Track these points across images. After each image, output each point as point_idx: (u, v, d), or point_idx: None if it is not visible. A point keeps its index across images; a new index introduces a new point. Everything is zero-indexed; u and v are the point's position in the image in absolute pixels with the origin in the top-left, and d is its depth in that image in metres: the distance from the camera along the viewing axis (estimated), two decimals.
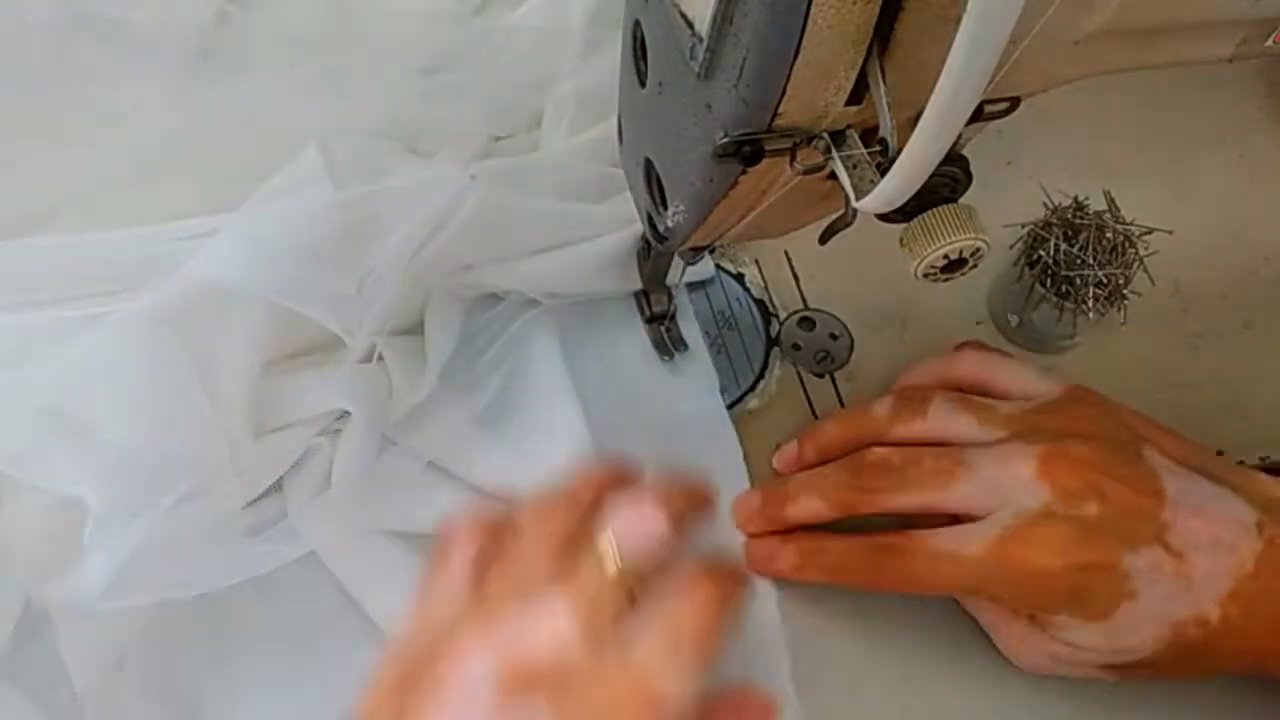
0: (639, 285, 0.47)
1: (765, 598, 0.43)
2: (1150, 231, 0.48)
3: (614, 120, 0.39)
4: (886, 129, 0.28)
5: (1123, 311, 0.48)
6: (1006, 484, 0.39)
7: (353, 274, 0.40)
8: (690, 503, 0.37)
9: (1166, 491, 0.38)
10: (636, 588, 0.34)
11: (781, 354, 0.49)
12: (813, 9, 0.25)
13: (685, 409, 0.46)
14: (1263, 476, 0.41)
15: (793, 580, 0.43)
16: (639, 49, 0.33)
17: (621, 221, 0.45)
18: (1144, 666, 0.39)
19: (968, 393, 0.43)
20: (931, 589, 0.41)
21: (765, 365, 0.49)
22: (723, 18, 0.26)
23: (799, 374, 0.49)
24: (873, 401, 0.44)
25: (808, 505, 0.42)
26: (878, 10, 0.25)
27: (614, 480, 0.38)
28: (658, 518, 0.35)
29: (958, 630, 0.43)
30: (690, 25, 0.28)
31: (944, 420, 0.42)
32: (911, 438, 0.42)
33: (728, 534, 0.44)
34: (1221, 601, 0.37)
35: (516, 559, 0.36)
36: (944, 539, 0.39)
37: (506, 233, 0.44)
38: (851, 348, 0.49)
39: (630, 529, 0.35)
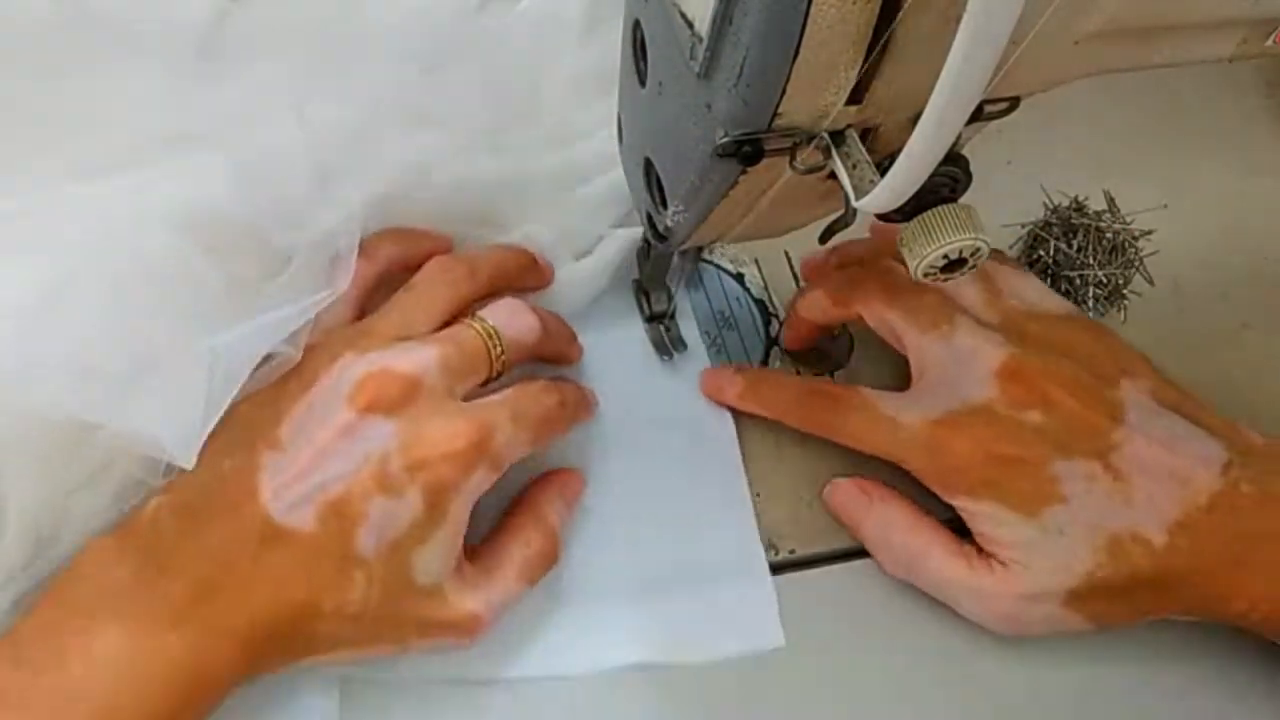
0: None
1: (723, 421, 0.46)
2: (1149, 232, 0.48)
3: (612, 103, 0.39)
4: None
5: (1123, 311, 0.48)
6: (966, 366, 0.41)
7: (331, 206, 0.41)
8: (561, 340, 0.44)
9: (1127, 418, 0.40)
10: (499, 364, 0.40)
11: (781, 354, 0.49)
12: (813, 9, 0.25)
13: (684, 408, 0.46)
14: (1252, 432, 0.41)
15: (739, 410, 0.46)
16: (639, 49, 0.33)
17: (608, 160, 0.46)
18: (1101, 593, 0.39)
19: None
20: (860, 444, 0.42)
21: (765, 365, 0.49)
22: (723, 17, 0.26)
23: (799, 374, 0.49)
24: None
25: (814, 299, 0.45)
26: (878, 10, 0.25)
27: (514, 271, 0.43)
28: (535, 319, 0.41)
29: (945, 628, 0.43)
30: (690, 25, 0.28)
31: (956, 281, 0.43)
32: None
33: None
34: (1169, 529, 0.38)
35: (402, 307, 0.40)
36: (887, 402, 0.42)
37: (496, 196, 0.45)
38: (851, 348, 0.49)
39: (510, 318, 0.40)
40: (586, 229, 0.48)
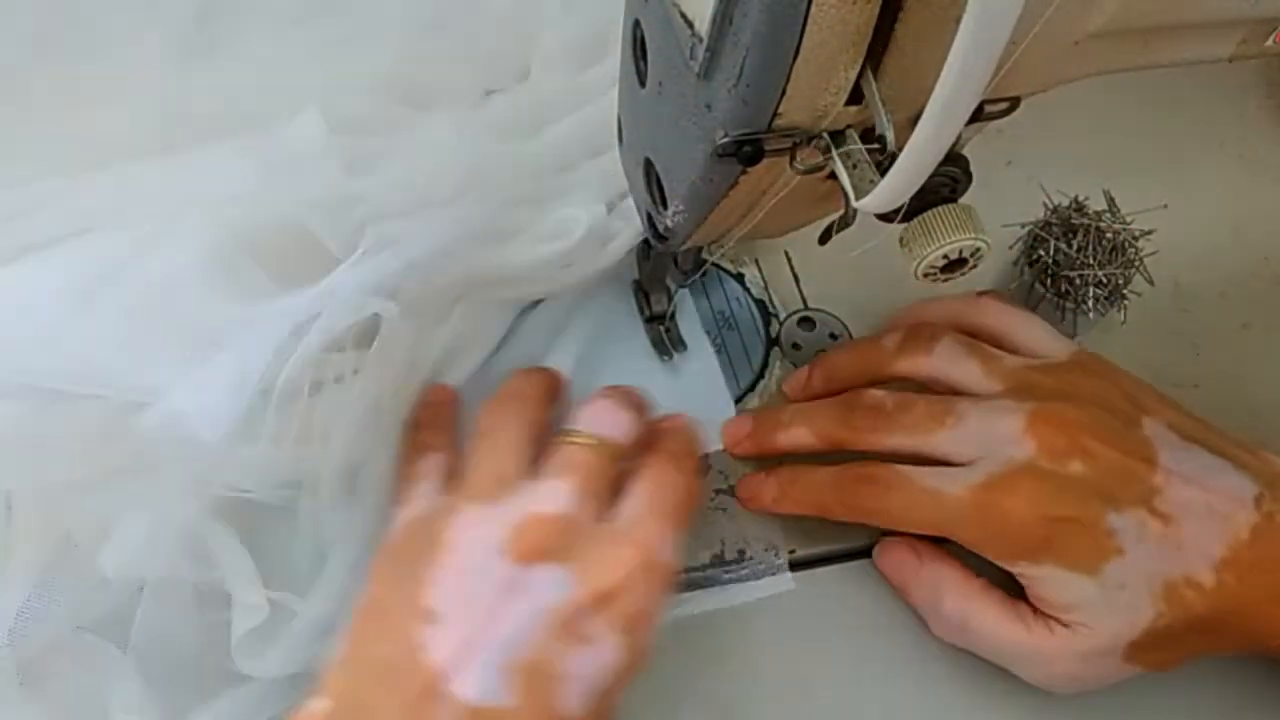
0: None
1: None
2: (1149, 232, 0.48)
3: (601, 68, 0.39)
4: (883, 126, 0.28)
5: (1123, 311, 0.48)
6: (993, 437, 0.40)
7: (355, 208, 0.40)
8: (640, 403, 0.42)
9: (1159, 459, 0.39)
10: (615, 465, 0.38)
11: (781, 354, 0.49)
12: (813, 9, 0.25)
13: (684, 408, 0.46)
14: (1272, 455, 0.41)
15: (777, 512, 0.44)
16: (639, 49, 0.33)
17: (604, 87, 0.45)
18: (1160, 641, 0.38)
19: (979, 339, 0.44)
20: (906, 525, 0.41)
21: (765, 365, 0.49)
22: (723, 17, 0.26)
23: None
24: (884, 333, 0.45)
25: (797, 435, 0.43)
26: (877, 10, 0.25)
27: (551, 381, 0.42)
28: (626, 413, 0.39)
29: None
30: (690, 25, 0.28)
31: (948, 362, 0.43)
32: (914, 374, 0.43)
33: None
34: (1216, 567, 0.38)
35: (486, 456, 0.38)
36: (926, 476, 0.40)
37: (505, 173, 0.45)
38: None
39: (598, 418, 0.39)
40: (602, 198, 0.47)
